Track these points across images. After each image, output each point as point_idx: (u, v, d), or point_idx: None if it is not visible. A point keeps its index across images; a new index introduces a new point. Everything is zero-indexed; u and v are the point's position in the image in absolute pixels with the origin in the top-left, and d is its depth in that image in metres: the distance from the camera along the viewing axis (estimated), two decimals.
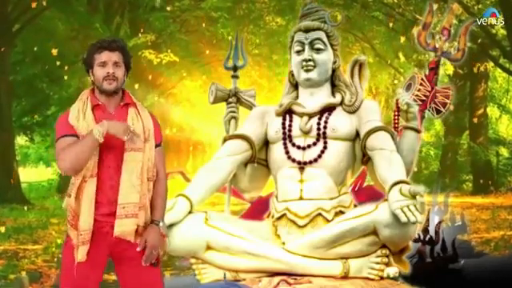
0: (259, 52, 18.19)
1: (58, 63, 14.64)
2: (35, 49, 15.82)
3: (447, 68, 15.05)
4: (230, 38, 16.03)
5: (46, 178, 21.81)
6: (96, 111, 2.90)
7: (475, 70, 17.32)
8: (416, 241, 4.30)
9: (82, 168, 2.79)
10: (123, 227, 2.85)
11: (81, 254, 2.82)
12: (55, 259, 8.12)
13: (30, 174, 23.42)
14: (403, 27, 17.02)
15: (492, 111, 21.08)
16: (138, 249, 2.89)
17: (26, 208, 13.95)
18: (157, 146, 3.01)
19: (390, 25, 16.87)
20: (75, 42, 15.83)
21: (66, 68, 14.84)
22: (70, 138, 2.84)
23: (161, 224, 2.98)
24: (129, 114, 2.93)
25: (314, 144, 3.84)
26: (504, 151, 20.20)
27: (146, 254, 2.89)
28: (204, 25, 17.33)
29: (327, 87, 3.99)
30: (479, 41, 15.00)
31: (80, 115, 2.87)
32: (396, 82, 19.03)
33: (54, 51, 14.30)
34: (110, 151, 2.86)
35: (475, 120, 18.40)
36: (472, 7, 14.70)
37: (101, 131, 2.77)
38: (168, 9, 16.42)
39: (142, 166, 2.89)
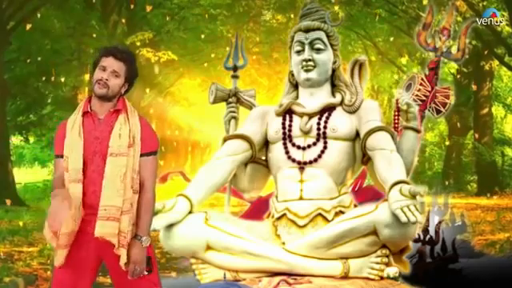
0: (259, 50, 18.20)
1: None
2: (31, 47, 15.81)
3: (451, 66, 15.09)
4: (229, 35, 16.10)
5: (41, 178, 21.80)
6: (85, 118, 3.01)
7: (480, 68, 17.36)
8: (416, 241, 4.36)
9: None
10: (104, 229, 2.89)
11: (60, 258, 2.90)
12: (51, 262, 8.18)
13: (24, 175, 23.41)
14: (406, 25, 17.06)
15: (497, 110, 20.93)
16: (121, 263, 2.93)
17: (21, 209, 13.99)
18: (146, 154, 3.04)
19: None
20: (71, 39, 15.89)
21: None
22: (58, 161, 3.02)
23: (143, 239, 3.00)
24: (117, 120, 3.00)
25: (314, 144, 3.90)
26: (509, 151, 20.09)
27: (130, 269, 2.95)
28: (203, 22, 17.34)
29: (327, 87, 4.06)
30: (480, 40, 15.04)
31: (72, 124, 2.99)
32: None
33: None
34: (96, 156, 2.96)
35: (480, 120, 18.41)
36: (477, 4, 14.77)
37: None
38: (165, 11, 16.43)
39: (126, 172, 2.93)
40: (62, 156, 2.97)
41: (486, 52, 16.66)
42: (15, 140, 20.94)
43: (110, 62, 2.98)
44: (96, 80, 2.98)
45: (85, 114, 3.01)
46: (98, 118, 2.99)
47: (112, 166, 2.90)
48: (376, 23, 17.55)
